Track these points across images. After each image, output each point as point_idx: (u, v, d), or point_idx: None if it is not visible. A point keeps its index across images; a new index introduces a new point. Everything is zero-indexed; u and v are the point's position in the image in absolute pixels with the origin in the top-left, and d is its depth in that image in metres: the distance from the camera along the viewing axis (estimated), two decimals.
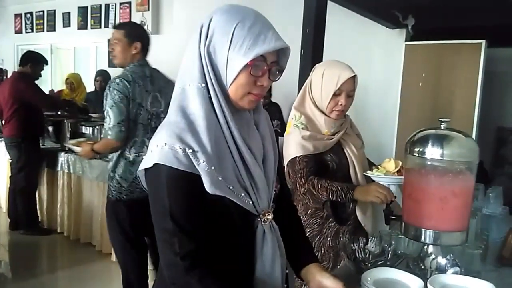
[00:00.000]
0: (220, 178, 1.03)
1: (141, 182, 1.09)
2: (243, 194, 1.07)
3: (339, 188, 1.73)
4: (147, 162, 1.03)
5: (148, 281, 2.73)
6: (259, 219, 1.11)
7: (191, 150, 1.00)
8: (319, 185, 1.74)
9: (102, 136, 2.77)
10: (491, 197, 2.12)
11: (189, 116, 1.04)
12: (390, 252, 1.41)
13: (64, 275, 3.65)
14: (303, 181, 1.78)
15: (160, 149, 1.00)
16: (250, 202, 1.09)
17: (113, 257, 3.43)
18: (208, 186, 1.01)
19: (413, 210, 1.44)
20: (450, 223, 1.39)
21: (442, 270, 1.32)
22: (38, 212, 4.42)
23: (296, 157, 1.81)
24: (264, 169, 1.15)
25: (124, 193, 2.56)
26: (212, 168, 1.01)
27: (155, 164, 1.01)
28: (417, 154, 1.42)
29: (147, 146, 2.51)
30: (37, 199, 4.42)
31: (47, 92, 4.32)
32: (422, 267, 1.37)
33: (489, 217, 2.09)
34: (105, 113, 2.46)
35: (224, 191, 1.03)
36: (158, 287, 1.19)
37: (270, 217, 1.15)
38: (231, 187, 1.05)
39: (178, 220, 0.99)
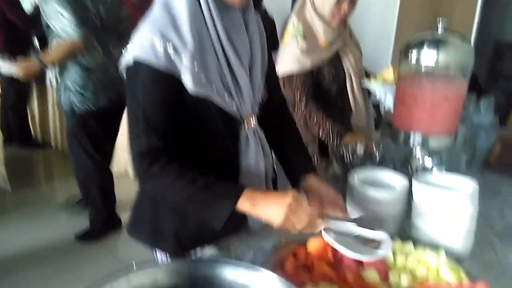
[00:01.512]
0: (203, 78, 1.00)
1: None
2: (226, 96, 1.05)
3: (330, 131, 1.76)
4: (127, 58, 1.00)
5: None
6: (242, 124, 1.11)
7: (172, 47, 0.96)
8: (314, 118, 1.76)
9: (54, 41, 2.45)
10: (482, 106, 2.13)
11: (173, 11, 0.99)
12: (377, 155, 1.43)
13: (61, 186, 3.75)
14: (302, 106, 1.79)
15: (140, 44, 0.97)
16: (234, 106, 1.07)
17: None
18: (190, 86, 0.98)
19: (404, 116, 1.43)
20: (439, 127, 1.39)
21: (427, 171, 1.35)
22: (32, 128, 4.43)
23: (293, 75, 1.78)
24: (250, 74, 1.11)
25: (89, 103, 2.51)
26: (195, 66, 0.98)
27: (135, 62, 0.98)
28: (411, 58, 1.39)
29: (99, 52, 2.49)
30: (29, 115, 4.41)
31: (30, 7, 4.11)
32: (409, 169, 1.40)
33: (479, 126, 2.12)
34: (51, 14, 2.30)
35: (207, 92, 1.01)
36: (142, 192, 1.22)
37: (254, 122, 1.14)
38: (214, 88, 1.02)
39: (149, 117, 0.99)
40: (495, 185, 1.59)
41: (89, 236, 2.85)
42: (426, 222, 1.13)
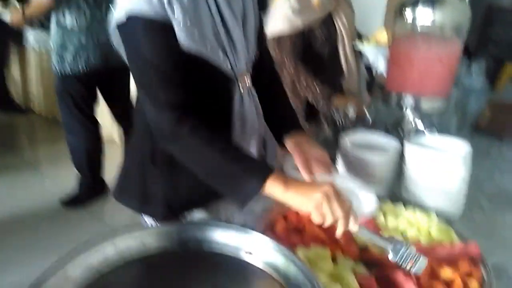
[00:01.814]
0: (196, 34, 0.95)
1: (113, 44, 1.00)
2: (220, 54, 1.00)
3: (319, 94, 1.70)
4: (118, 15, 0.93)
5: None
6: (236, 84, 1.06)
7: None
8: (303, 81, 1.71)
9: None
10: (473, 70, 2.11)
11: None
12: (369, 118, 1.41)
13: (45, 152, 3.69)
14: (291, 68, 1.73)
15: None
16: (228, 64, 1.02)
17: None
18: (182, 40, 0.93)
19: (397, 77, 1.40)
20: (433, 89, 1.37)
21: (419, 133, 1.34)
22: (14, 93, 4.30)
23: (283, 35, 1.72)
24: (244, 30, 1.06)
25: (71, 66, 2.45)
26: (188, 20, 0.93)
27: (128, 18, 0.91)
28: (406, 17, 1.34)
29: (85, 12, 2.40)
30: (10, 80, 4.27)
31: None
32: (400, 131, 1.38)
33: (469, 90, 2.10)
34: None
35: (200, 48, 0.96)
36: (130, 157, 1.18)
37: (248, 81, 1.10)
38: (208, 45, 0.97)
39: (162, 69, 0.92)
40: (485, 148, 1.59)
41: (75, 201, 2.82)
42: (417, 184, 1.12)
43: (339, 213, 0.82)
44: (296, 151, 1.09)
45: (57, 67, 2.47)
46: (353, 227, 0.83)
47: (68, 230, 2.56)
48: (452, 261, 0.90)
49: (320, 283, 0.72)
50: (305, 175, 1.05)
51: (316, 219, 0.84)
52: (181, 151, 0.95)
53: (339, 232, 0.84)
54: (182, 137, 0.92)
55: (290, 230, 0.98)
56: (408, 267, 0.82)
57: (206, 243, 0.85)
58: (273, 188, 0.86)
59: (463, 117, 1.76)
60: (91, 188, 2.83)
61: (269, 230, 0.97)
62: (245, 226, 0.95)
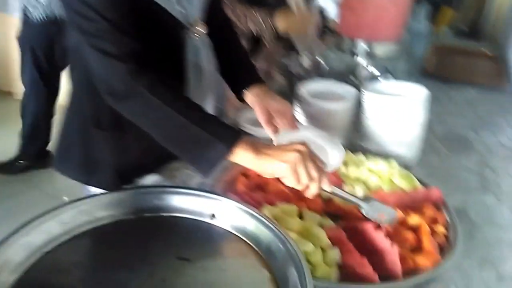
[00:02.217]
0: None
1: None
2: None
3: (260, 23, 1.58)
4: None
5: None
6: (189, 32, 0.95)
7: None
8: (241, 13, 1.58)
9: None
10: (418, 14, 2.11)
11: None
12: (323, 66, 1.36)
13: None
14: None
15: None
16: (180, 9, 0.91)
17: None
18: None
19: (350, 22, 1.35)
20: (386, 33, 1.33)
21: (374, 79, 1.31)
22: None
23: None
24: None
25: (46, 11, 2.29)
26: None
27: None
28: None
29: None
30: None
31: None
32: (355, 79, 1.35)
33: (415, 34, 2.11)
34: None
35: None
36: (69, 121, 1.05)
37: (203, 30, 0.99)
38: None
39: (107, 14, 0.79)
40: (433, 92, 1.59)
41: (11, 168, 2.61)
42: (376, 132, 1.10)
43: (314, 174, 0.76)
44: (257, 105, 1.02)
45: (31, 13, 2.28)
46: (327, 187, 0.79)
47: (6, 200, 2.37)
48: (416, 207, 0.89)
49: (293, 242, 0.67)
50: (268, 131, 0.99)
51: (289, 183, 0.77)
52: (135, 111, 0.82)
53: (312, 193, 0.79)
54: (138, 93, 0.79)
55: (252, 188, 0.93)
56: (381, 221, 0.80)
57: (164, 210, 0.77)
58: (243, 155, 0.78)
59: (411, 61, 1.76)
60: (34, 154, 2.63)
61: (230, 190, 0.92)
62: (204, 188, 0.88)
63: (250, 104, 1.04)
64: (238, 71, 1.08)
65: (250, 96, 1.04)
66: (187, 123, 0.78)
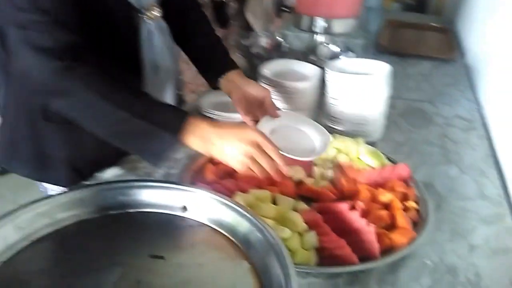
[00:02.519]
0: None
1: None
2: None
3: None
4: None
5: None
6: (143, 16, 0.88)
7: None
8: None
9: None
10: None
11: None
12: (284, 45, 1.33)
13: None
14: None
15: None
16: None
17: None
18: None
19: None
20: (344, 9, 1.32)
21: (335, 57, 1.30)
22: None
23: None
24: None
25: None
26: None
27: None
28: None
29: None
30: None
31: None
32: (317, 57, 1.33)
33: (368, 9, 2.13)
34: None
35: None
36: (13, 113, 0.95)
37: (157, 13, 0.92)
38: None
39: (42, 3, 0.71)
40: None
41: None
42: (341, 110, 1.09)
43: (267, 165, 0.75)
44: (233, 93, 0.96)
45: None
46: (287, 171, 0.78)
47: None
48: (386, 184, 0.90)
49: (271, 229, 0.65)
50: (248, 121, 0.95)
51: (248, 172, 0.76)
52: (71, 108, 0.76)
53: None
54: (70, 91, 0.73)
55: (222, 176, 0.90)
56: None
57: (131, 206, 0.72)
58: (192, 142, 0.75)
59: (367, 37, 1.76)
60: None
61: (199, 179, 0.88)
62: (172, 179, 0.84)
63: (225, 93, 0.99)
64: (211, 57, 1.02)
65: (225, 83, 0.99)
66: (128, 116, 0.73)
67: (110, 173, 0.93)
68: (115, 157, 0.95)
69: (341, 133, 1.05)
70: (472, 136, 1.19)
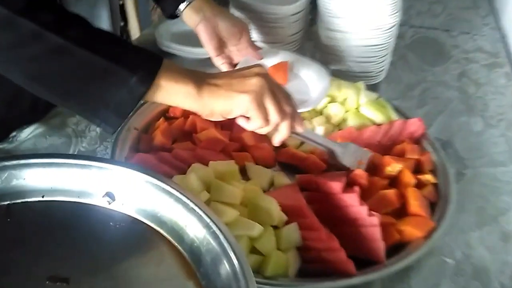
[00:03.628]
0: None
1: None
2: None
3: None
4: None
5: None
6: None
7: None
8: None
9: None
10: None
11: None
12: None
13: None
14: None
15: None
16: None
17: None
18: None
19: None
20: None
21: None
22: None
23: None
24: None
25: None
26: None
27: None
28: None
29: None
30: None
31: None
32: None
33: None
34: None
35: None
36: None
37: None
38: None
39: None
40: None
41: None
42: (336, 42, 0.84)
43: (286, 108, 0.53)
44: (202, 27, 0.73)
45: None
46: (300, 128, 0.57)
47: None
48: (393, 149, 0.68)
49: (228, 232, 0.44)
50: (220, 64, 0.74)
51: (251, 125, 0.53)
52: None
53: (282, 137, 0.56)
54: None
55: (176, 137, 0.67)
56: (359, 168, 0.62)
57: (21, 195, 0.50)
58: (173, 90, 0.50)
59: None
60: None
61: (140, 148, 0.66)
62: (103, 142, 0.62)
63: (189, 25, 0.75)
64: None
65: (189, 13, 0.75)
66: (90, 55, 0.47)
67: (27, 132, 0.70)
68: (37, 113, 0.71)
69: (336, 74, 0.81)
70: (497, 75, 0.96)
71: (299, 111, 0.61)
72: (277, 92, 0.52)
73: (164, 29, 0.92)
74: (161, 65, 0.50)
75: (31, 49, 0.47)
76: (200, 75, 0.52)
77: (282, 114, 0.52)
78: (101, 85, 0.49)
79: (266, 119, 0.52)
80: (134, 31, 1.29)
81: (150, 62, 0.50)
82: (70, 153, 0.67)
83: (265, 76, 0.52)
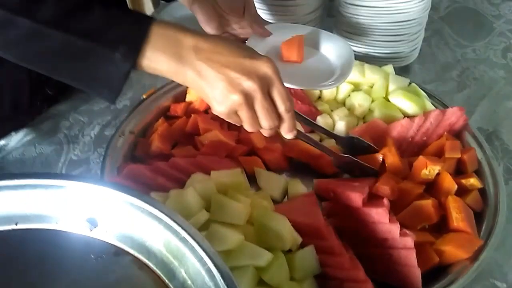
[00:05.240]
0: None
1: None
2: None
3: None
4: None
5: None
6: None
7: None
8: None
9: None
10: None
11: None
12: None
13: None
14: None
15: None
16: None
17: None
18: None
19: None
20: None
21: None
22: None
23: None
24: None
25: None
26: None
27: None
28: None
29: None
30: None
31: None
32: None
33: None
34: None
35: None
36: None
37: None
38: None
39: None
40: None
41: None
42: (361, 20, 0.73)
43: (267, 123, 0.45)
44: (200, 9, 0.63)
45: None
46: (289, 134, 0.47)
47: None
48: (429, 145, 0.58)
49: (226, 269, 0.36)
50: None
51: (247, 123, 0.46)
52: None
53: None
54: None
55: (176, 138, 0.59)
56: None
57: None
58: (157, 61, 0.44)
59: None
60: None
61: (139, 152, 0.58)
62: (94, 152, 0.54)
63: (187, 7, 0.65)
64: None
65: None
66: (62, 36, 0.43)
67: (16, 139, 0.63)
68: (15, 111, 0.65)
69: (360, 57, 0.70)
70: None
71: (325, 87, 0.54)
72: (274, 94, 0.44)
73: (167, 14, 0.84)
74: (146, 33, 0.43)
75: (7, 36, 0.44)
76: (194, 43, 0.44)
77: (267, 125, 0.45)
78: (85, 64, 0.45)
79: (253, 125, 0.45)
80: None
81: (133, 33, 0.44)
82: (61, 162, 0.60)
83: (264, 78, 0.44)
